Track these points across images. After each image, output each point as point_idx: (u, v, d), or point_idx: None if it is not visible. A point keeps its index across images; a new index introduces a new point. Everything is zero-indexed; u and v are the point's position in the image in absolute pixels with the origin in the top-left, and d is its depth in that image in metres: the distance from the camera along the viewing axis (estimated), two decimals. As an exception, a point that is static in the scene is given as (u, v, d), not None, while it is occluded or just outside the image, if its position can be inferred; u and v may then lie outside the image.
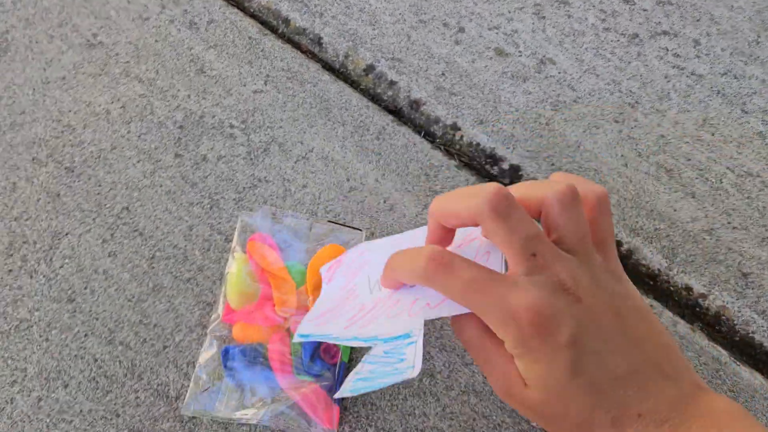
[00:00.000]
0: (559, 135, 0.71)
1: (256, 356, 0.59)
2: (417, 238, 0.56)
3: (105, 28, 0.76)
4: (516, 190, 0.40)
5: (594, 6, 0.81)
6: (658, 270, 0.65)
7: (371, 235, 0.65)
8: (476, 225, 0.38)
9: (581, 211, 0.39)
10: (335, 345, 0.59)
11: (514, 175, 0.70)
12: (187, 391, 0.59)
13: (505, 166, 0.70)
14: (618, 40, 0.79)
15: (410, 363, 0.43)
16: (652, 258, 0.65)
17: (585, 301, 0.36)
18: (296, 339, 0.56)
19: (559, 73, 0.76)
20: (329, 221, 0.65)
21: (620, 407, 0.37)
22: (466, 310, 0.42)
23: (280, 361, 0.58)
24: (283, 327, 0.60)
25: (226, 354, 0.59)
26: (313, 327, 0.55)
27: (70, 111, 0.71)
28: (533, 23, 0.79)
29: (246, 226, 0.64)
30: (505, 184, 0.70)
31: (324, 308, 0.57)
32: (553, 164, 0.69)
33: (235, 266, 0.62)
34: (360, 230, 0.64)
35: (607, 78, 0.76)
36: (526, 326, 0.35)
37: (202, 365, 0.59)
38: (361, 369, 0.47)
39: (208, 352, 0.59)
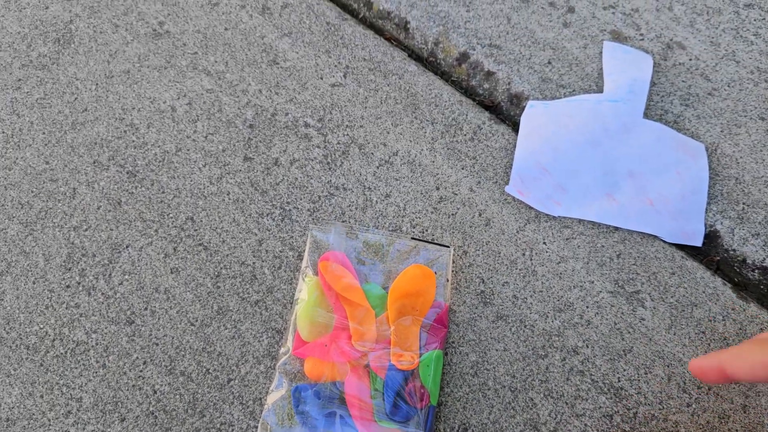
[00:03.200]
0: (691, 135, 0.60)
1: (331, 398, 0.51)
2: None
3: (172, 16, 0.69)
4: None
5: (732, -23, 0.68)
6: (818, 305, 0.53)
7: (464, 254, 0.56)
8: None
9: None
10: (422, 386, 0.51)
11: (634, 183, 0.59)
12: (253, 433, 0.52)
13: (624, 172, 0.59)
14: (763, 18, 0.65)
15: None
16: (810, 290, 0.53)
17: None
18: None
19: (690, 59, 0.63)
20: (413, 239, 0.56)
21: None
22: None
23: (358, 405, 0.50)
24: (361, 363, 0.52)
25: (297, 394, 0.51)
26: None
27: (133, 108, 0.64)
28: (657, 0, 0.67)
29: (318, 243, 0.56)
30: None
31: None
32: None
33: (306, 291, 0.54)
34: (447, 246, 0.56)
35: (750, 65, 0.63)
36: None
37: (270, 407, 0.51)
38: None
39: (277, 392, 0.52)
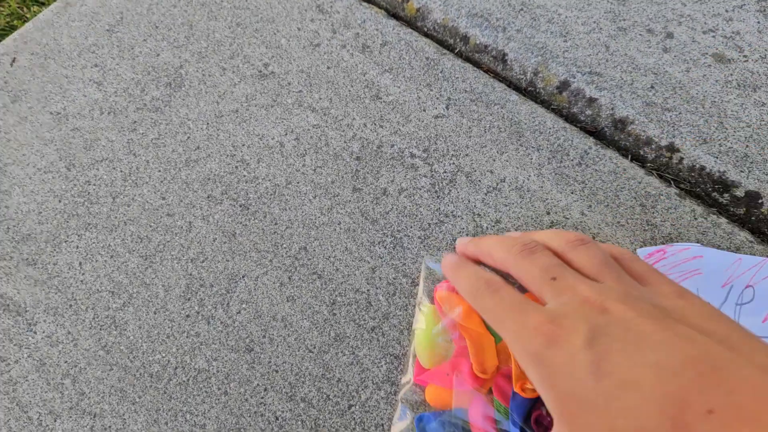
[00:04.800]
0: (808, 154, 0.58)
1: (455, 426, 0.50)
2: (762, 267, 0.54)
3: (276, 57, 0.73)
4: (538, 236, 0.44)
5: (834, -3, 0.68)
6: None
7: (580, 278, 0.56)
8: (507, 271, 0.42)
9: (595, 245, 0.40)
10: (548, 413, 0.50)
11: (751, 203, 0.57)
12: (377, 458, 0.51)
13: (740, 193, 0.58)
14: None
15: None
16: None
17: (613, 310, 0.33)
18: None
19: (798, 79, 0.63)
20: None
21: (678, 403, 0.28)
22: None
23: None
24: (483, 391, 0.51)
25: (420, 424, 0.51)
26: None
27: (243, 145, 0.67)
28: (759, 22, 0.67)
29: (431, 272, 0.56)
30: (739, 215, 0.58)
31: None
32: (803, 190, 0.57)
33: (423, 321, 0.54)
34: None
35: None
36: (539, 336, 0.33)
37: None
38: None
39: (401, 423, 0.51)
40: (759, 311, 0.52)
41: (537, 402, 0.50)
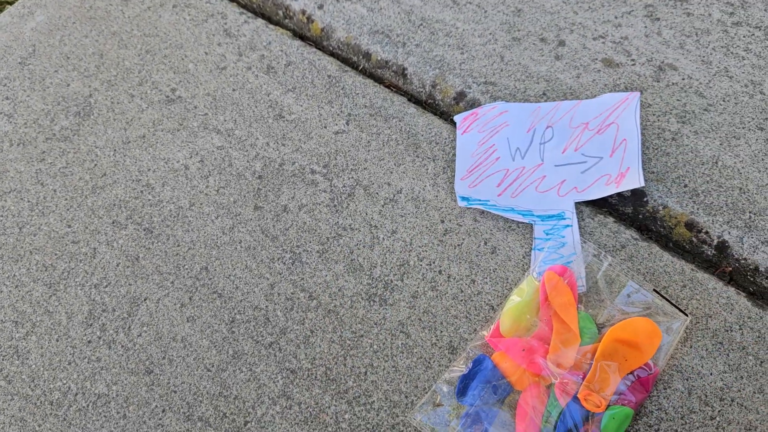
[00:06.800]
0: (690, 151, 0.60)
1: (500, 393, 0.51)
2: (560, 109, 0.64)
3: (183, 82, 0.74)
4: None
5: None
6: (838, 307, 0.52)
7: (471, 283, 0.57)
8: None
9: None
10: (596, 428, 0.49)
11: (637, 202, 0.59)
12: (271, 473, 0.52)
13: (626, 192, 0.59)
14: (752, 35, 0.67)
15: (572, 249, 0.56)
16: (828, 292, 0.52)
17: None
18: (460, 203, 0.60)
19: (683, 79, 0.65)
20: (654, 290, 0.54)
21: None
22: (612, 191, 0.58)
23: (527, 419, 0.49)
24: (545, 381, 0.51)
25: (477, 365, 0.52)
26: (467, 188, 0.61)
27: (149, 170, 0.68)
28: (646, 27, 0.69)
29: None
30: (627, 214, 0.59)
31: (467, 164, 0.63)
32: (685, 185, 0.58)
33: (524, 292, 0.54)
34: (686, 316, 0.52)
35: (743, 80, 0.64)
36: None
37: (445, 380, 0.52)
38: (535, 258, 0.57)
39: (459, 371, 0.52)
40: (558, 145, 0.62)
41: (592, 418, 0.49)
